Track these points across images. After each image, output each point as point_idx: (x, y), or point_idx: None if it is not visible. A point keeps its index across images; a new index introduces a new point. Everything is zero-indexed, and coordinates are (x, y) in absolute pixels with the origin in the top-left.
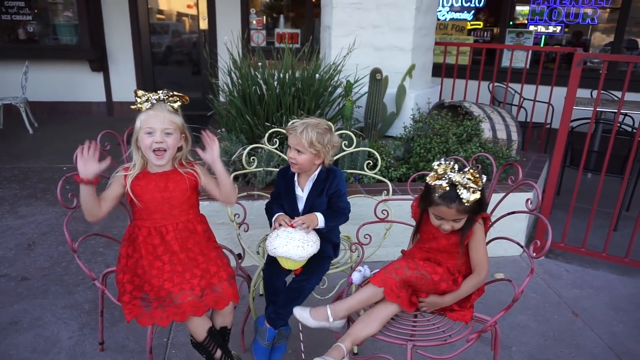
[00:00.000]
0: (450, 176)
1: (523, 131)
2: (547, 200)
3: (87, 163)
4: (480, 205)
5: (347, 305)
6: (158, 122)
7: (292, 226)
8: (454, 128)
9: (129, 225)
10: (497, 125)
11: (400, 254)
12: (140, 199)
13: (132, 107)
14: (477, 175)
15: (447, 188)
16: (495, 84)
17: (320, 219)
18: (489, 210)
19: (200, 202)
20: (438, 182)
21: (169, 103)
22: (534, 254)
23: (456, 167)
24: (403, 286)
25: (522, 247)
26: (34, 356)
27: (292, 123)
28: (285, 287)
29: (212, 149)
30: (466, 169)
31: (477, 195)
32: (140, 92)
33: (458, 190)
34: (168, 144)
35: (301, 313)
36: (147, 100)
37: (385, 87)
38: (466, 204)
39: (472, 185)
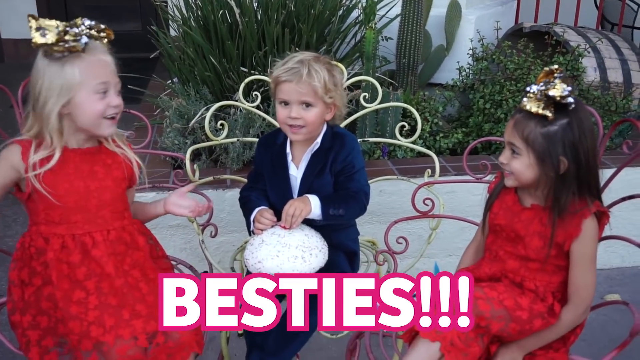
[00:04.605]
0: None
1: None
2: None
3: None
4: (550, 143)
5: None
6: (108, 74)
7: (283, 227)
8: (539, 68)
9: (23, 235)
10: (608, 61)
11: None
12: (52, 192)
13: (56, 47)
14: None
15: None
16: None
17: (314, 203)
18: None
19: (136, 194)
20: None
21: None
22: None
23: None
24: (470, 337)
25: None
26: None
27: (283, 65)
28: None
29: (194, 209)
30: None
31: (537, 107)
32: (52, 22)
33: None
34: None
35: None
36: (65, 35)
37: (428, 5)
38: (524, 109)
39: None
